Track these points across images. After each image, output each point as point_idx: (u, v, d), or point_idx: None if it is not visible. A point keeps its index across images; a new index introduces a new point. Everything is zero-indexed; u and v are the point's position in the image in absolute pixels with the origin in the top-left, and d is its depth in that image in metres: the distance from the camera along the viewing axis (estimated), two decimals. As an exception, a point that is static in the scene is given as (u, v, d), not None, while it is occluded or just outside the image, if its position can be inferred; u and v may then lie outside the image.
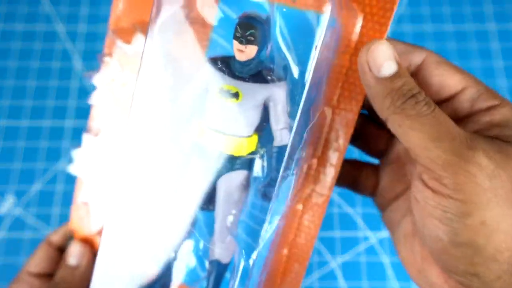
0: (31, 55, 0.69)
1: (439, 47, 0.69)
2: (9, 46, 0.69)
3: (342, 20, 0.29)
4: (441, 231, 0.26)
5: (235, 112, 0.28)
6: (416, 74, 0.30)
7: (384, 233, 0.61)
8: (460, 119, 0.30)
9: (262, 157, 0.29)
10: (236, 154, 0.28)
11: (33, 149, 0.64)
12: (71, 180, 0.61)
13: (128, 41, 0.34)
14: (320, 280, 0.59)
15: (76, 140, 0.64)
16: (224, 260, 0.31)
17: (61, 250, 0.41)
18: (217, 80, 0.28)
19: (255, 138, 0.29)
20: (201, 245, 0.32)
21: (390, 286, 0.58)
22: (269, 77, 0.28)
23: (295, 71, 0.27)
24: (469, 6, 0.71)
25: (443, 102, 0.30)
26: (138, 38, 0.34)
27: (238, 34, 0.27)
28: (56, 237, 0.41)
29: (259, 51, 0.27)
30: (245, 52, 0.27)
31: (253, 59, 0.27)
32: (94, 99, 0.35)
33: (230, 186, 0.29)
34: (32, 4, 0.72)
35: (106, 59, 0.35)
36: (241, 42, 0.27)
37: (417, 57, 0.30)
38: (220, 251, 0.30)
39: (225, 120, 0.28)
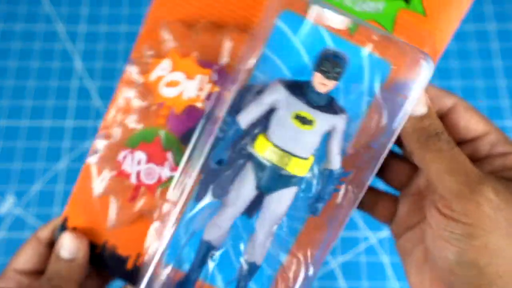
0: (31, 55, 0.69)
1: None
2: (9, 46, 0.69)
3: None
4: (449, 251, 0.30)
5: (305, 137, 0.31)
6: (447, 115, 0.35)
7: (384, 233, 0.61)
8: (479, 159, 0.34)
9: (313, 175, 0.33)
10: (298, 174, 0.31)
11: (33, 149, 0.64)
12: (71, 180, 0.61)
13: (179, 39, 0.35)
14: (320, 280, 0.59)
15: (76, 140, 0.65)
16: (259, 262, 0.34)
17: (51, 245, 0.38)
18: (293, 105, 0.31)
19: (312, 159, 0.32)
20: (242, 247, 0.34)
21: (390, 286, 0.59)
22: (336, 109, 0.31)
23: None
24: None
25: (467, 142, 0.35)
26: (194, 36, 0.35)
27: (324, 69, 0.29)
28: (45, 232, 0.38)
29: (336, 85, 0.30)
30: (327, 86, 0.30)
31: (327, 92, 0.31)
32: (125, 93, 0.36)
33: (282, 201, 0.32)
34: (32, 4, 0.72)
35: (156, 58, 0.35)
36: (327, 77, 0.30)
37: (449, 101, 0.35)
38: (260, 254, 0.33)
39: (294, 142, 0.31)
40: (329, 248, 0.34)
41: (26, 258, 0.38)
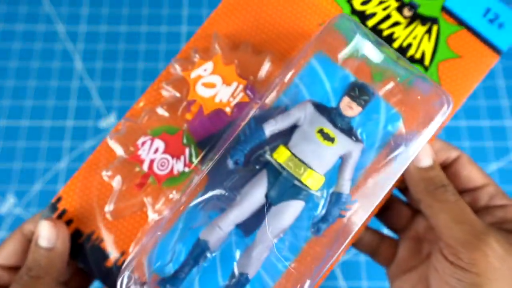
0: (32, 55, 0.69)
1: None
2: (9, 46, 0.69)
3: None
4: None
5: (324, 152, 0.33)
6: (451, 166, 0.38)
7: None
8: (479, 209, 0.36)
9: (322, 196, 0.34)
10: (310, 187, 0.33)
11: (34, 149, 0.64)
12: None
13: (225, 50, 0.38)
14: (320, 279, 0.59)
15: (76, 140, 0.65)
16: (251, 276, 0.34)
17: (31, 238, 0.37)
18: (318, 121, 0.33)
19: (323, 179, 0.33)
20: (237, 255, 0.34)
21: (389, 286, 0.59)
22: (355, 136, 0.34)
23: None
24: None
25: (466, 192, 0.37)
26: (238, 52, 0.38)
27: (353, 94, 0.32)
28: (30, 226, 0.37)
29: (359, 114, 0.33)
30: (353, 110, 0.33)
31: (352, 117, 0.33)
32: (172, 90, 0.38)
33: (288, 213, 0.33)
34: (33, 4, 0.72)
35: (200, 60, 0.37)
36: (354, 101, 0.32)
37: (453, 154, 0.38)
38: (254, 268, 0.33)
39: (313, 155, 0.33)
40: (327, 265, 0.34)
41: (7, 253, 0.36)
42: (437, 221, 0.33)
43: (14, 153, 0.64)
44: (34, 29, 0.70)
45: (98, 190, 0.37)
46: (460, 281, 0.31)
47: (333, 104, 0.35)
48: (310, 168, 0.32)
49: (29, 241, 0.37)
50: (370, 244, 0.43)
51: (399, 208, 0.43)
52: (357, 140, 0.34)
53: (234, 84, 0.37)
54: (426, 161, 0.35)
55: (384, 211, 0.43)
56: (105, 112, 0.66)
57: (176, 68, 0.38)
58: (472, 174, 0.37)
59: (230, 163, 0.33)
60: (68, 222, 0.37)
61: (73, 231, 0.37)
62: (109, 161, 0.38)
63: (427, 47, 0.38)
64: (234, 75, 0.37)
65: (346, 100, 0.33)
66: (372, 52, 0.34)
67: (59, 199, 0.37)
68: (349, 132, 0.33)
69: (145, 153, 0.37)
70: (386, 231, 0.45)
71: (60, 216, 0.37)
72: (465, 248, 0.31)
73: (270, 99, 0.35)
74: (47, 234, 0.35)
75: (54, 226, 0.35)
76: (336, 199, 0.34)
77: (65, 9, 0.72)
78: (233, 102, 0.37)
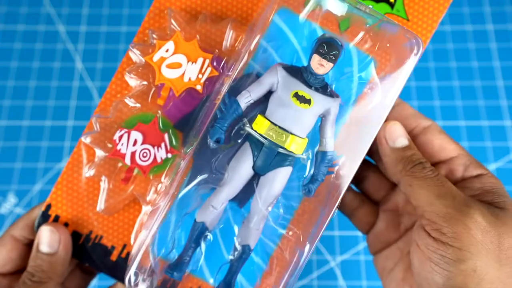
0: (32, 55, 0.69)
1: (438, 47, 0.69)
2: (10, 47, 0.70)
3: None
4: (438, 275, 0.31)
5: (303, 116, 0.32)
6: (423, 134, 0.37)
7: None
8: (456, 182, 0.36)
9: (308, 157, 0.35)
10: (295, 152, 0.33)
11: (34, 149, 0.64)
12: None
13: (183, 25, 0.36)
14: (320, 279, 0.59)
15: (77, 140, 0.65)
16: (253, 245, 0.34)
17: (27, 241, 0.37)
18: (292, 85, 0.32)
19: (306, 140, 0.33)
20: (236, 229, 0.35)
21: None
22: (331, 92, 0.33)
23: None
24: (467, 6, 0.71)
25: (441, 163, 0.37)
26: (197, 25, 0.36)
27: (322, 51, 0.32)
28: (18, 231, 0.37)
29: (331, 69, 0.32)
30: (324, 67, 0.32)
31: (324, 74, 0.32)
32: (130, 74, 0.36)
33: (277, 180, 0.33)
34: (33, 5, 0.72)
35: (159, 40, 0.36)
36: (325, 58, 0.32)
37: (424, 122, 0.37)
38: (254, 238, 0.34)
39: (292, 120, 0.32)
40: (324, 225, 0.35)
41: (2, 260, 0.36)
42: (418, 198, 0.33)
43: (15, 153, 0.64)
44: (35, 30, 0.70)
45: (86, 190, 0.37)
46: (443, 257, 0.31)
47: (304, 62, 0.34)
48: (292, 133, 0.32)
49: (24, 245, 0.37)
50: (350, 205, 0.43)
51: (379, 179, 0.42)
52: (334, 96, 0.33)
53: (200, 60, 0.36)
54: (401, 141, 0.35)
55: (363, 181, 0.42)
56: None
57: (136, 53, 0.36)
58: (445, 144, 0.37)
59: (211, 143, 0.33)
60: (65, 225, 0.37)
61: (71, 234, 0.37)
62: (89, 160, 0.37)
63: None
64: (198, 50, 0.36)
65: (316, 58, 0.32)
66: (334, 4, 0.34)
67: (49, 207, 0.37)
68: (324, 89, 0.33)
69: (124, 147, 0.36)
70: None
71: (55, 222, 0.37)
72: (448, 223, 0.31)
73: (240, 68, 0.34)
74: (49, 239, 0.35)
75: (56, 231, 0.35)
76: (321, 158, 0.34)
77: (66, 9, 0.72)
78: (203, 79, 0.36)
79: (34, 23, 0.71)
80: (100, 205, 0.37)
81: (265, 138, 0.32)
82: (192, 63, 0.36)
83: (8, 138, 0.65)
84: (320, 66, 0.32)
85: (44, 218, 0.37)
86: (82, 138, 0.37)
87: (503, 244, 0.30)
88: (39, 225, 0.36)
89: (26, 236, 0.37)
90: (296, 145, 0.33)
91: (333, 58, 0.32)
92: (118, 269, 0.37)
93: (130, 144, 0.36)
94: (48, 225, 0.36)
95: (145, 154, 0.36)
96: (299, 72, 0.33)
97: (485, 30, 0.70)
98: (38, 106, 0.66)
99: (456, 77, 0.67)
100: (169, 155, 0.36)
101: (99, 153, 0.36)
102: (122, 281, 0.36)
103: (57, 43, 0.70)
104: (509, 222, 0.31)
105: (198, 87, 0.36)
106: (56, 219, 0.37)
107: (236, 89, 0.34)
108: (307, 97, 0.32)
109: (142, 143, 0.36)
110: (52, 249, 0.35)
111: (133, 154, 0.36)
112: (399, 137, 0.35)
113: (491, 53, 0.68)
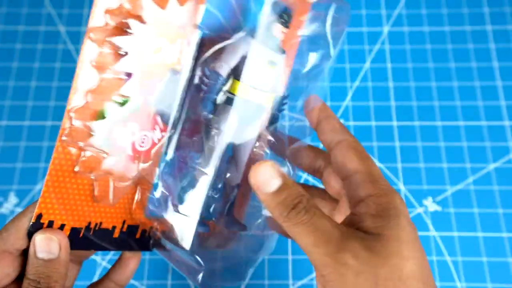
0: (33, 55, 0.69)
1: (436, 48, 0.69)
2: (11, 47, 0.70)
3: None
4: None
5: (273, 75, 0.38)
6: (334, 150, 0.37)
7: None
8: (354, 203, 0.34)
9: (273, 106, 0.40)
10: (263, 104, 0.38)
11: (35, 149, 0.64)
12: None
13: (162, 6, 0.35)
14: (320, 278, 0.59)
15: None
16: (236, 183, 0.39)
17: (20, 253, 0.35)
18: (265, 53, 0.37)
19: (274, 94, 0.39)
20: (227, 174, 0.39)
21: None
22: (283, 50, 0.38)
23: None
24: (466, 7, 0.72)
25: (345, 182, 0.36)
26: (172, 3, 0.35)
27: (284, 20, 0.36)
28: (10, 246, 0.34)
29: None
30: (284, 33, 0.37)
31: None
32: (124, 65, 0.34)
33: (256, 127, 0.38)
34: (34, 5, 0.72)
35: (137, 23, 0.34)
36: (286, 27, 0.37)
37: (339, 137, 0.37)
38: (239, 178, 0.39)
39: (266, 81, 0.37)
40: None
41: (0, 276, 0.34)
42: (301, 245, 0.31)
43: (16, 153, 0.64)
44: (36, 30, 0.71)
45: (76, 189, 0.36)
46: None
47: (263, 28, 0.38)
48: (266, 92, 0.37)
49: (18, 257, 0.35)
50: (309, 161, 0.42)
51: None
52: (284, 52, 0.37)
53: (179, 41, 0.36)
54: (274, 183, 0.31)
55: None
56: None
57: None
58: (347, 160, 0.35)
59: (205, 115, 0.35)
60: (62, 227, 0.36)
61: (70, 231, 0.36)
62: (73, 161, 0.35)
63: None
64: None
65: (278, 28, 0.36)
66: None
67: (39, 216, 0.35)
68: (281, 50, 0.38)
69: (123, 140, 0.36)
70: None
71: (49, 227, 0.36)
72: (326, 270, 0.30)
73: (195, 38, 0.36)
74: (46, 247, 0.34)
75: (50, 238, 0.34)
76: (279, 102, 0.39)
77: (67, 10, 0.72)
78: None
79: (35, 24, 0.71)
80: (112, 199, 0.37)
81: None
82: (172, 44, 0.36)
83: (9, 138, 0.65)
84: (283, 34, 0.37)
85: (38, 227, 0.35)
86: (65, 142, 0.34)
87: (379, 277, 0.29)
88: (31, 234, 0.35)
89: (19, 249, 0.35)
90: (271, 101, 0.39)
91: (289, 25, 0.37)
92: (122, 243, 0.38)
93: (129, 135, 0.37)
94: (44, 233, 0.34)
95: (144, 139, 0.37)
96: (265, 41, 0.37)
97: (484, 30, 0.70)
98: (39, 106, 0.67)
99: (456, 77, 0.68)
100: (164, 133, 0.37)
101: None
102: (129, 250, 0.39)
103: (58, 43, 0.70)
104: (383, 251, 0.30)
105: (178, 67, 0.36)
106: (50, 224, 0.35)
107: (210, 60, 0.37)
108: (275, 60, 0.37)
109: (140, 131, 0.37)
110: (53, 255, 0.34)
111: (133, 143, 0.36)
112: (271, 180, 0.31)
113: (490, 53, 0.69)
